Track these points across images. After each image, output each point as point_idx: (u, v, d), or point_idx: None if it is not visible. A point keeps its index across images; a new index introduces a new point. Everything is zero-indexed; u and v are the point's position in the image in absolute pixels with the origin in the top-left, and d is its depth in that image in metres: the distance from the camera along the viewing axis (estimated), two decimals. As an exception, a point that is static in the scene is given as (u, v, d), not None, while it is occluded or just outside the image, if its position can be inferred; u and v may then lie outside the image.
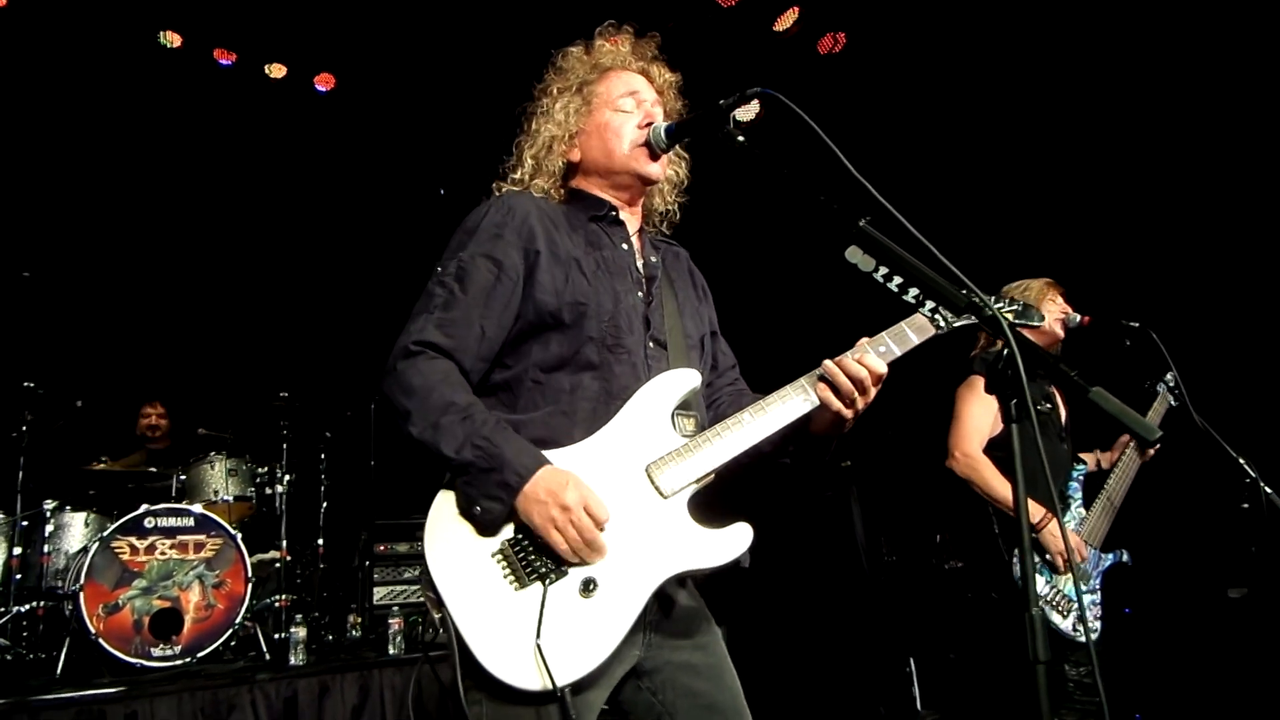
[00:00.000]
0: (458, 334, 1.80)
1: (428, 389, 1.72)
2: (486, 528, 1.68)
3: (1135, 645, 4.76)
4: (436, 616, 1.65)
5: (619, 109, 2.03)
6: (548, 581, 1.65)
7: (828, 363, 1.82)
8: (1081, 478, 3.46)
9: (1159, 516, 4.45)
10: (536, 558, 1.66)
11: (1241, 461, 3.21)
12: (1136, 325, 3.46)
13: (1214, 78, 4.93)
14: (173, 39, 6.96)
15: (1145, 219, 5.27)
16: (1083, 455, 3.66)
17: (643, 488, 1.76)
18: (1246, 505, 3.25)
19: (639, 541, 1.72)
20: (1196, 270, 5.02)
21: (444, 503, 1.72)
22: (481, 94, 6.94)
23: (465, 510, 1.69)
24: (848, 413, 1.82)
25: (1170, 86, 5.11)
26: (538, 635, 1.60)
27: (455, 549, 1.67)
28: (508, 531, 1.68)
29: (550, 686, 1.58)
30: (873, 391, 1.83)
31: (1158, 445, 3.57)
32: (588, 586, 1.67)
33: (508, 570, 1.66)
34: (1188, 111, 5.07)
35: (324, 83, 7.59)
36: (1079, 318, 3.50)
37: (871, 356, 1.82)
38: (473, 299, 1.82)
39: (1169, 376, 3.61)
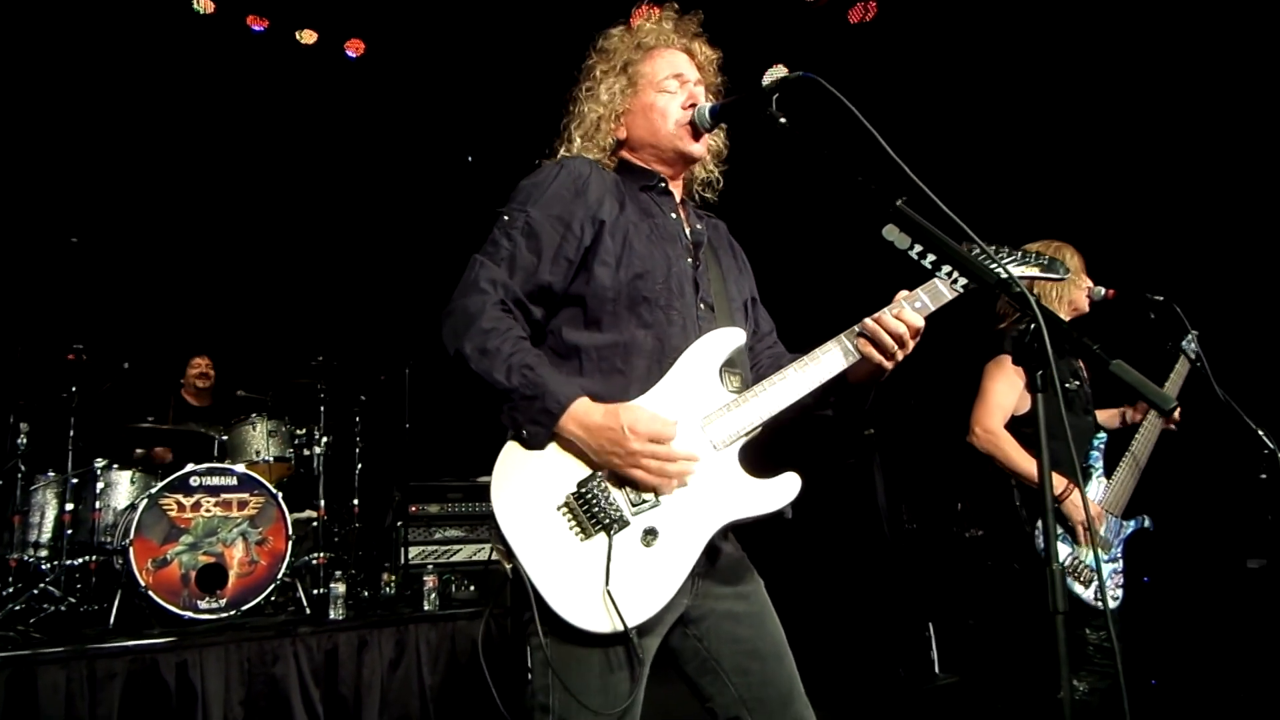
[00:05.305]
0: (518, 286, 1.90)
1: (484, 329, 1.81)
2: (534, 449, 1.79)
3: (1153, 614, 4.84)
4: (508, 567, 1.76)
5: (664, 89, 2.10)
6: (612, 532, 1.75)
7: (869, 321, 1.92)
8: (1102, 446, 3.49)
9: (1178, 486, 4.49)
10: (600, 510, 1.76)
11: (1261, 433, 3.23)
12: (1160, 299, 3.47)
13: (1242, 47, 4.91)
14: (206, 5, 7.03)
15: (1168, 190, 5.27)
16: (1109, 411, 3.69)
17: (697, 440, 1.86)
18: (1265, 476, 3.29)
19: (695, 491, 1.83)
20: (1218, 242, 5.02)
21: (506, 461, 1.80)
22: (509, 61, 6.98)
23: (515, 435, 1.80)
24: (888, 364, 1.93)
25: (1195, 55, 5.09)
26: (606, 582, 1.71)
27: (521, 504, 1.76)
28: (570, 485, 1.78)
29: (620, 629, 1.71)
30: (911, 344, 1.93)
31: (1177, 414, 3.60)
32: (648, 536, 1.78)
33: (573, 522, 1.76)
34: (1214, 82, 5.05)
35: (354, 48, 7.66)
36: (1103, 291, 3.51)
37: (909, 311, 1.92)
38: (537, 255, 1.92)
39: (1190, 338, 3.60)
